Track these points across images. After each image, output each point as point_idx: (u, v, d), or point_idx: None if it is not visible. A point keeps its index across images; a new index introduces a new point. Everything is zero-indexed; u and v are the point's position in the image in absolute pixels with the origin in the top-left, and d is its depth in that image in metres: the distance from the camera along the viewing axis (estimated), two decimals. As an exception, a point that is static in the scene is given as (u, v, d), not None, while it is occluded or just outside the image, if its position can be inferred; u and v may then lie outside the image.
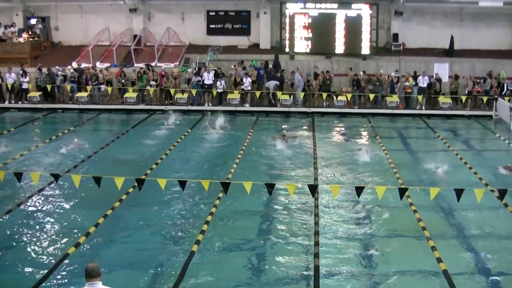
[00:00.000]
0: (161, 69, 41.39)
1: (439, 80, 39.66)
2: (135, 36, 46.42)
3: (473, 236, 18.06)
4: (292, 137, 30.73)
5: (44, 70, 40.34)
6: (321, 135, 31.84)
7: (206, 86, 39.25)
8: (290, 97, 38.83)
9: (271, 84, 39.37)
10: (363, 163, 26.36)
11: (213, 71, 40.09)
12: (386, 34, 46.56)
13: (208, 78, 39.21)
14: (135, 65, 42.69)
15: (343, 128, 34.95)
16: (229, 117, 36.72)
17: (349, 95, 38.50)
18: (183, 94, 39.42)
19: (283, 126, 33.32)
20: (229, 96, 39.31)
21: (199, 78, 39.36)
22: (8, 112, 38.53)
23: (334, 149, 29.15)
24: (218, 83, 39.21)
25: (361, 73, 40.55)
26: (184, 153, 27.82)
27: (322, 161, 26.39)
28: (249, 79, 39.49)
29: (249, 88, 39.40)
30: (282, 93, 39.01)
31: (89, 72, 40.70)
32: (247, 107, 39.01)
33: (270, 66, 41.72)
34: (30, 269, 15.28)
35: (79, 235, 17.15)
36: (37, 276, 14.73)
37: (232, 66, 41.67)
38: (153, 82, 39.58)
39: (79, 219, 18.91)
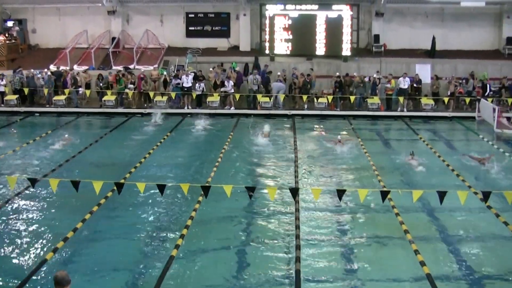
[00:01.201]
0: (140, 71, 41.26)
1: (417, 81, 39.70)
2: (113, 38, 46.28)
3: (457, 238, 18.08)
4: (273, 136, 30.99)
5: (23, 73, 40.20)
6: (302, 137, 31.81)
7: (185, 89, 39.17)
8: (270, 99, 38.79)
9: (251, 79, 39.72)
10: (344, 165, 26.38)
11: (192, 74, 40.00)
12: (367, 35, 46.70)
13: (187, 81, 39.11)
14: (113, 67, 42.56)
15: (324, 130, 34.77)
16: (209, 120, 36.53)
17: (330, 97, 38.44)
18: (162, 97, 39.30)
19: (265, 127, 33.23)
20: (209, 99, 39.15)
21: (178, 80, 39.27)
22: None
23: (315, 151, 29.11)
24: (197, 85, 39.08)
25: (337, 73, 40.67)
26: (163, 156, 27.67)
27: (303, 164, 26.39)
28: (231, 82, 39.36)
29: (232, 91, 39.26)
30: (262, 96, 38.96)
31: (68, 74, 40.43)
32: (232, 110, 38.85)
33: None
34: (6, 275, 15.12)
35: (57, 240, 16.98)
36: (14, 282, 14.57)
37: (211, 69, 41.57)
38: (131, 85, 39.39)
39: (57, 224, 18.75)
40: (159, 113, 36.74)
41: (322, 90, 40.41)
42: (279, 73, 40.23)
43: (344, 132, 33.17)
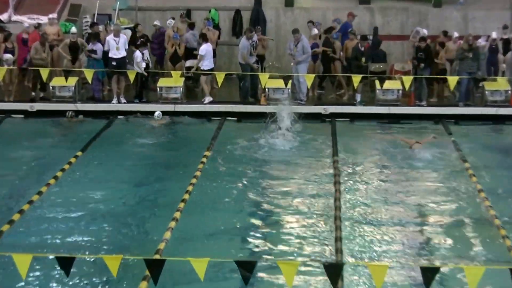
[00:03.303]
0: (23, 28, 41.23)
1: None
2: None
3: None
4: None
5: None
6: (349, 157, 32.04)
7: (114, 63, 38.87)
8: (286, 85, 38.59)
9: (244, 45, 39.34)
10: (434, 212, 26.34)
11: (129, 33, 39.91)
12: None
13: (117, 45, 38.72)
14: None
15: (394, 146, 34.62)
16: (165, 123, 36.62)
17: (407, 80, 38.00)
18: (67, 80, 39.10)
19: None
20: (161, 83, 39.19)
21: (98, 46, 39.01)
22: None
23: (375, 184, 29.21)
24: (137, 55, 38.83)
25: (422, 31, 40.28)
26: (72, 194, 27.64)
27: (352, 212, 26.33)
28: (208, 47, 39.09)
29: (211, 66, 39.09)
30: (270, 77, 38.73)
31: None
32: (207, 104, 38.87)
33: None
34: None
35: None
36: None
37: (169, 22, 41.47)
38: (8, 55, 39.24)
39: None
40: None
41: (391, 66, 40.33)
42: (315, 31, 40.04)
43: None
